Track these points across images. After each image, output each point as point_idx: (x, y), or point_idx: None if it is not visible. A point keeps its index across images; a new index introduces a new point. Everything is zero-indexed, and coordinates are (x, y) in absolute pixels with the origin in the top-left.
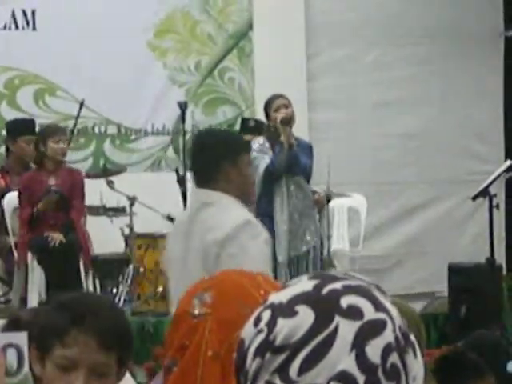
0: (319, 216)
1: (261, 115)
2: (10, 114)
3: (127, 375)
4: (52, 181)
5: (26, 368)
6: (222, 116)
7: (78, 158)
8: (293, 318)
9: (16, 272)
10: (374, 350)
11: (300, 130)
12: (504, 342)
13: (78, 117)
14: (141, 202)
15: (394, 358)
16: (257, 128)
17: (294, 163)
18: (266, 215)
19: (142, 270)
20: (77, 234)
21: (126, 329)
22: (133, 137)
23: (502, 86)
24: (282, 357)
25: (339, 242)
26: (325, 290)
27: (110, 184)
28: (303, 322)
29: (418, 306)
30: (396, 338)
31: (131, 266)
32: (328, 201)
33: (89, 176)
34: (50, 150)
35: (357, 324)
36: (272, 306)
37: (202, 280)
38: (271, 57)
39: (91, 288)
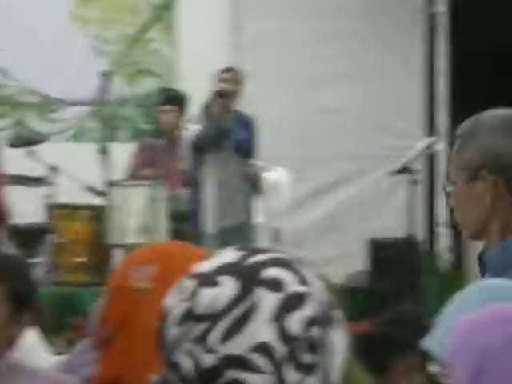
0: (254, 190)
1: (185, 87)
2: None
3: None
4: None
5: None
6: (146, 87)
7: (0, 127)
8: (215, 288)
9: None
10: (294, 323)
11: (232, 103)
12: (423, 319)
13: None
14: (62, 172)
15: (314, 331)
16: (179, 99)
17: (224, 137)
18: (196, 186)
19: (62, 240)
20: None
21: (17, 263)
22: (55, 106)
23: (423, 63)
24: (202, 326)
25: (262, 215)
26: (249, 262)
27: (32, 153)
28: (225, 292)
29: (338, 280)
30: (318, 312)
31: (51, 236)
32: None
33: (10, 145)
34: None
35: (279, 296)
36: (196, 276)
37: (139, 252)
38: (195, 29)
39: None
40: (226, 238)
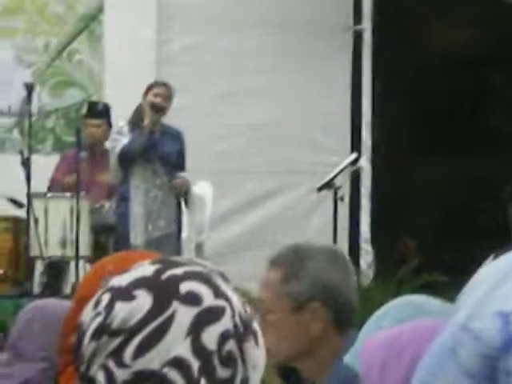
0: (184, 202)
1: (109, 100)
2: None
3: None
4: None
5: None
6: (70, 99)
7: None
8: (130, 302)
9: None
10: (210, 337)
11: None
12: None
13: None
14: None
15: (230, 345)
16: (105, 112)
17: (152, 150)
18: (124, 199)
19: None
20: None
21: None
22: None
23: (350, 80)
24: (117, 340)
25: (187, 229)
26: (165, 275)
27: None
28: (140, 307)
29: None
30: (235, 326)
31: None
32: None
33: None
34: None
35: (194, 310)
36: (112, 290)
37: (105, 261)
38: (122, 41)
39: None
40: (152, 251)
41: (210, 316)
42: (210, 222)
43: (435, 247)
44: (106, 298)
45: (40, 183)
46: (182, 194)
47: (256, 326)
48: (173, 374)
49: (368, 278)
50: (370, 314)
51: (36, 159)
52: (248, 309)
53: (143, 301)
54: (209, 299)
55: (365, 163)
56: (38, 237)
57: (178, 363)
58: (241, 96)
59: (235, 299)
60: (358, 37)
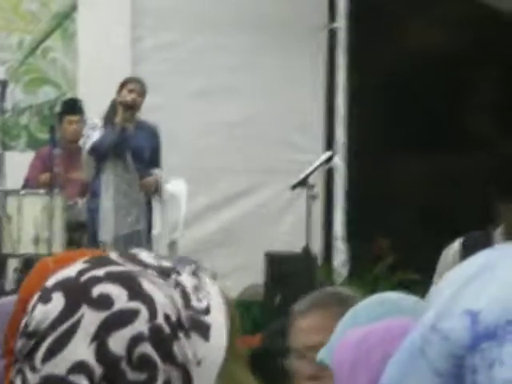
0: (152, 199)
1: (83, 97)
2: None
3: None
4: None
5: None
6: (44, 96)
7: None
8: (46, 305)
9: None
10: (117, 342)
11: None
12: None
13: None
14: None
15: (143, 348)
16: (79, 108)
17: (124, 145)
18: (95, 195)
19: None
20: None
21: None
22: None
23: (325, 78)
24: (31, 343)
25: (159, 226)
26: (84, 277)
27: None
28: (53, 310)
29: (233, 294)
30: (153, 328)
31: None
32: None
33: None
34: None
35: (102, 314)
36: (41, 290)
37: (47, 260)
38: (95, 39)
39: None
40: (121, 247)
41: (118, 320)
42: (185, 219)
43: (410, 246)
44: (35, 298)
45: (14, 180)
46: (153, 192)
47: (208, 319)
48: (79, 379)
49: (342, 276)
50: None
51: (10, 156)
52: (200, 302)
53: (57, 303)
54: (121, 302)
55: (339, 162)
56: (12, 234)
57: (82, 369)
58: (216, 94)
59: (161, 298)
60: (332, 35)
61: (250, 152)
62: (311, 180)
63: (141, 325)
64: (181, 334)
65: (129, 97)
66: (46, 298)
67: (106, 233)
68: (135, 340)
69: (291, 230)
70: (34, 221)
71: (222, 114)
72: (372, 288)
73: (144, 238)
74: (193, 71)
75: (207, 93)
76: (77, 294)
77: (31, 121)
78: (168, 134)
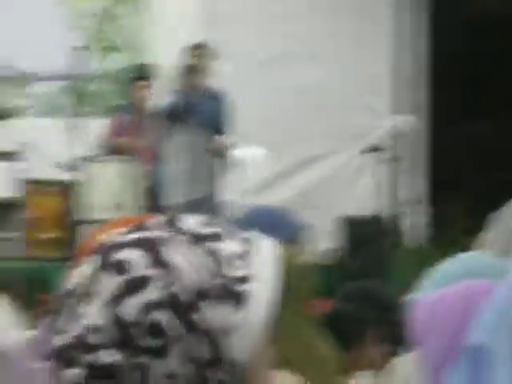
0: (220, 165)
1: (155, 62)
2: None
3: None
4: None
5: None
6: (117, 63)
7: None
8: (80, 268)
9: None
10: (129, 308)
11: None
12: (390, 294)
13: None
14: (33, 147)
15: (156, 315)
16: (150, 73)
17: (191, 111)
18: (161, 158)
19: (33, 215)
20: None
21: None
22: (27, 81)
23: (395, 42)
24: (61, 303)
25: (232, 192)
26: (112, 243)
27: (3, 128)
28: (81, 273)
29: (309, 258)
30: (169, 295)
31: (21, 211)
32: (230, 150)
33: None
34: None
35: (118, 280)
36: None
37: (113, 225)
38: (167, 5)
39: None
40: (192, 212)
41: (133, 286)
42: (259, 185)
43: (484, 210)
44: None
45: (89, 147)
46: (221, 157)
47: (245, 288)
48: (93, 338)
49: (418, 239)
50: (416, 272)
51: (84, 123)
52: (236, 271)
53: (85, 267)
54: (138, 269)
55: (410, 125)
56: (87, 200)
57: (99, 330)
58: (289, 60)
59: (184, 266)
60: None
61: (323, 117)
62: (383, 144)
63: (155, 291)
64: (205, 303)
65: (197, 62)
66: (82, 262)
67: (175, 198)
68: (147, 306)
69: (364, 194)
70: (111, 187)
71: (295, 80)
72: (447, 251)
73: (215, 202)
74: (266, 37)
75: (280, 59)
76: (101, 259)
77: (105, 88)
78: (242, 101)
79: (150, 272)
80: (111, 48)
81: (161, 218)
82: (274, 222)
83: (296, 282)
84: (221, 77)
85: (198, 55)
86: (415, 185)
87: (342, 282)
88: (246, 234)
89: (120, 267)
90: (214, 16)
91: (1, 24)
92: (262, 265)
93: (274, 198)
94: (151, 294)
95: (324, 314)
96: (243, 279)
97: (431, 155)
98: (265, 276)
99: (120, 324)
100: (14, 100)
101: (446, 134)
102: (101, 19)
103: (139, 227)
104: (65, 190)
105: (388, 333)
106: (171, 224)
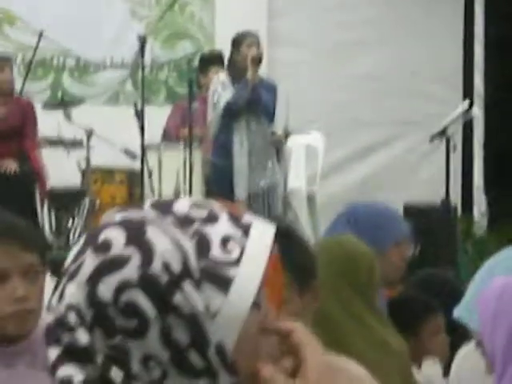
0: (277, 155)
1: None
2: None
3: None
4: (2, 111)
5: None
6: (182, 51)
7: (36, 89)
8: (76, 248)
9: None
10: (105, 287)
11: (260, 68)
12: (456, 283)
13: (36, 48)
14: (98, 136)
15: (131, 294)
16: (220, 59)
17: (256, 102)
18: (224, 148)
19: (97, 203)
20: (31, 164)
21: (37, 231)
22: (91, 69)
23: (462, 30)
24: (61, 282)
25: (296, 180)
26: (104, 223)
27: (68, 116)
28: (73, 252)
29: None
30: (145, 275)
31: (87, 200)
32: (286, 138)
33: (46, 107)
34: None
35: (98, 259)
36: None
37: None
38: None
39: (46, 220)
40: (258, 202)
41: (110, 265)
42: (322, 172)
43: None
44: None
45: (153, 135)
46: (282, 145)
47: (231, 271)
48: (72, 317)
49: (482, 227)
50: (485, 261)
51: (149, 111)
52: (224, 254)
53: (78, 247)
54: (117, 248)
55: (477, 112)
56: (152, 188)
57: (76, 311)
58: (353, 47)
59: (164, 247)
60: None
61: (387, 104)
62: (449, 131)
63: (130, 271)
64: (186, 284)
65: (255, 52)
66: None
67: (240, 188)
68: (122, 286)
69: (429, 181)
70: (174, 174)
71: (359, 67)
72: (511, 239)
73: (280, 190)
74: (329, 25)
75: (344, 46)
76: (90, 237)
77: (170, 76)
78: (305, 87)
79: (128, 251)
80: (176, 36)
81: (155, 200)
82: (383, 223)
83: (366, 273)
84: (283, 64)
85: (250, 44)
86: (482, 171)
87: (407, 270)
88: (246, 218)
89: (102, 246)
90: (278, 6)
91: (62, 11)
92: (252, 249)
93: (339, 184)
94: (128, 273)
95: (389, 302)
96: (230, 263)
97: (496, 141)
98: (254, 260)
99: (96, 303)
100: (77, 88)
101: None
102: (166, 7)
103: (129, 208)
104: (130, 178)
105: (451, 322)
106: (162, 206)
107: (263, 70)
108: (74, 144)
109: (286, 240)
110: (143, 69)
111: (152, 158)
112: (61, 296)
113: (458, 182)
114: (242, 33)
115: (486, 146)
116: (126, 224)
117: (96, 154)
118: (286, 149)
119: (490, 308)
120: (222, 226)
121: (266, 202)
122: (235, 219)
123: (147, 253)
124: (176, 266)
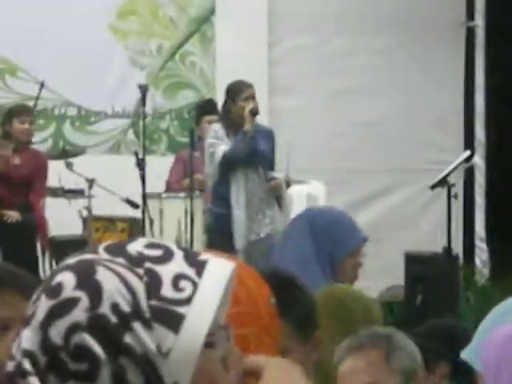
0: (278, 203)
1: (221, 100)
2: None
3: None
4: (16, 160)
5: None
6: (183, 100)
7: (38, 140)
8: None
9: None
10: (57, 330)
11: (260, 117)
12: (459, 331)
13: (37, 98)
14: (99, 185)
15: (80, 337)
16: (212, 106)
17: (254, 153)
18: (223, 199)
19: None
20: (34, 214)
21: (38, 280)
22: (93, 119)
23: (463, 76)
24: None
25: None
26: (61, 265)
27: (69, 166)
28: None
29: (374, 293)
30: (93, 317)
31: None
32: (287, 187)
33: (48, 157)
34: (15, 130)
35: (50, 303)
36: None
37: None
38: (233, 42)
39: (48, 268)
40: (253, 252)
41: (61, 309)
42: None
43: None
44: None
45: (155, 184)
46: (279, 195)
47: (183, 310)
48: (27, 365)
49: (483, 275)
50: (487, 310)
51: (151, 160)
52: (175, 293)
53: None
54: (68, 291)
55: (479, 160)
56: (153, 237)
57: (31, 357)
58: (353, 94)
59: (113, 287)
60: (470, 33)
61: (388, 151)
62: (451, 179)
63: (79, 314)
64: (136, 324)
65: (252, 104)
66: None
67: (239, 240)
68: (72, 329)
69: (431, 230)
70: (176, 224)
71: (359, 114)
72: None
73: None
74: (329, 72)
75: (344, 93)
76: (43, 283)
77: (171, 125)
78: (305, 135)
79: (77, 294)
80: (178, 85)
81: (109, 243)
82: (339, 231)
83: (364, 317)
84: (285, 112)
85: (247, 97)
86: (484, 220)
87: (406, 319)
88: (203, 256)
89: (53, 290)
90: (278, 54)
91: (63, 61)
92: (205, 287)
93: None
94: (76, 316)
95: None
96: (181, 301)
97: (498, 189)
98: (207, 298)
99: (48, 348)
100: (79, 138)
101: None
102: (167, 56)
103: (83, 252)
104: (132, 226)
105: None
106: (115, 247)
107: (264, 118)
108: (76, 193)
109: (287, 289)
110: (144, 118)
111: (153, 207)
112: (19, 343)
113: (459, 231)
114: (237, 84)
115: (488, 194)
116: (77, 267)
117: (97, 202)
118: (287, 196)
119: (494, 354)
120: (175, 265)
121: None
122: (191, 257)
123: (95, 294)
124: (125, 307)
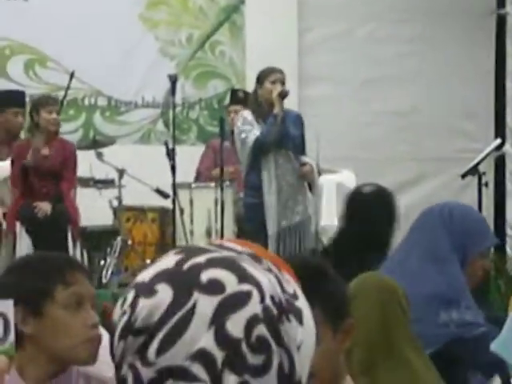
0: (310, 188)
1: (251, 89)
2: (0, 84)
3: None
4: (45, 151)
5: (11, 336)
6: (213, 90)
7: (68, 130)
8: (152, 298)
9: (4, 241)
10: (235, 324)
11: (290, 106)
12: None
13: (68, 88)
14: (130, 175)
15: (260, 329)
16: (245, 99)
17: (285, 137)
18: (254, 188)
19: (129, 242)
20: (65, 204)
21: None
22: (123, 109)
23: (493, 65)
24: (141, 339)
25: (328, 217)
26: (186, 266)
27: (100, 156)
28: (162, 301)
29: None
30: (265, 309)
31: (119, 239)
32: (318, 174)
33: (78, 147)
34: (43, 120)
35: (217, 298)
36: (136, 286)
37: None
38: (263, 31)
39: (79, 259)
40: (286, 238)
41: (234, 303)
42: None
43: None
44: (131, 295)
45: (185, 173)
46: (311, 180)
47: (299, 304)
48: (195, 368)
49: None
50: None
51: (180, 150)
52: (289, 288)
53: (164, 294)
54: (232, 286)
55: (510, 149)
56: (184, 227)
57: (203, 356)
58: (383, 83)
59: (266, 281)
60: (501, 20)
61: (418, 141)
62: (481, 168)
63: (255, 306)
64: (284, 317)
65: (280, 87)
66: (148, 292)
67: (271, 226)
68: (252, 321)
69: None
70: (206, 213)
71: (389, 103)
72: None
73: (313, 225)
74: (359, 61)
75: (375, 82)
76: (185, 282)
77: (201, 114)
78: (336, 125)
79: (245, 288)
80: (207, 74)
81: (210, 242)
82: (474, 232)
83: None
84: (315, 100)
85: (275, 80)
86: None
87: None
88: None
89: (213, 286)
90: (308, 43)
91: (93, 52)
92: (293, 283)
93: None
94: (253, 308)
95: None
96: (296, 296)
97: None
98: (300, 293)
99: (229, 342)
100: (109, 128)
101: None
102: (197, 46)
103: (197, 250)
104: (162, 216)
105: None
106: (222, 246)
107: (294, 108)
108: (106, 183)
109: (318, 278)
110: (174, 108)
111: (183, 197)
112: (164, 348)
113: (490, 219)
114: (266, 69)
115: None
116: (220, 263)
117: (128, 193)
118: (318, 183)
119: None
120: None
121: (297, 238)
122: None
123: (259, 287)
124: (277, 299)
